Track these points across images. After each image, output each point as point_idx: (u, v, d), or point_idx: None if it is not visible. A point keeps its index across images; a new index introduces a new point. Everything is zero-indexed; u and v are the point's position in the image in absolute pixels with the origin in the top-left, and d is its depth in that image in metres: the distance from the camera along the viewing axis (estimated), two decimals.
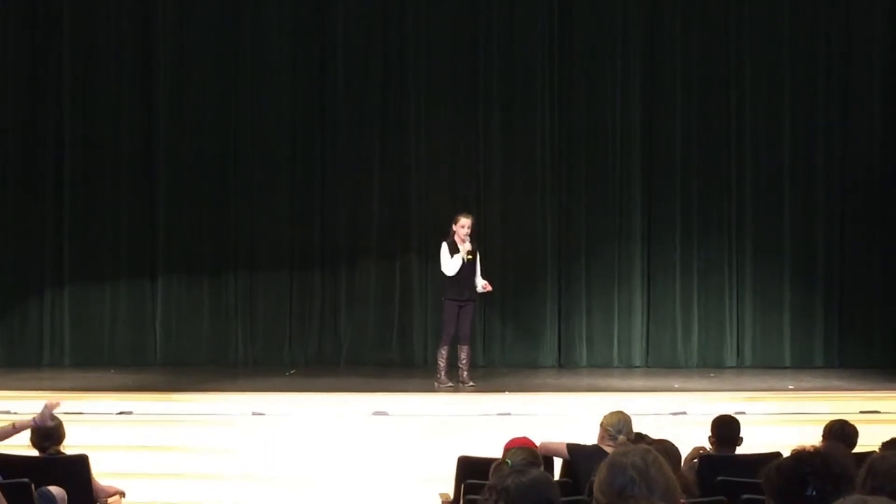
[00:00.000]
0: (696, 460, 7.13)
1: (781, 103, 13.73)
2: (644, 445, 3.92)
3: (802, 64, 13.75)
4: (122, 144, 13.76)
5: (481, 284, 11.57)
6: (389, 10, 13.83)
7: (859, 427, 6.93)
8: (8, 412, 9.80)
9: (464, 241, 11.42)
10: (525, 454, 5.76)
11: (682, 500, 3.62)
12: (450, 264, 11.44)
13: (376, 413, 10.31)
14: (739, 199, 13.74)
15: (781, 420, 10.20)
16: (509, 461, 5.41)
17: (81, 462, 7.27)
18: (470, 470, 6.88)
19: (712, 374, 12.94)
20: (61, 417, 7.54)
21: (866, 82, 13.71)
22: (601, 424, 6.80)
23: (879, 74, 13.70)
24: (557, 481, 6.44)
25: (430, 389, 11.41)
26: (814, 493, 3.36)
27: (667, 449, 5.54)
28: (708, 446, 7.30)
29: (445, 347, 11.59)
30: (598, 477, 3.43)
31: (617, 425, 6.70)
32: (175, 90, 13.76)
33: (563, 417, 10.02)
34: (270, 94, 13.84)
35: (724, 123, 13.77)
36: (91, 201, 13.72)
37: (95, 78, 13.77)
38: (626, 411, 6.95)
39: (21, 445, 7.63)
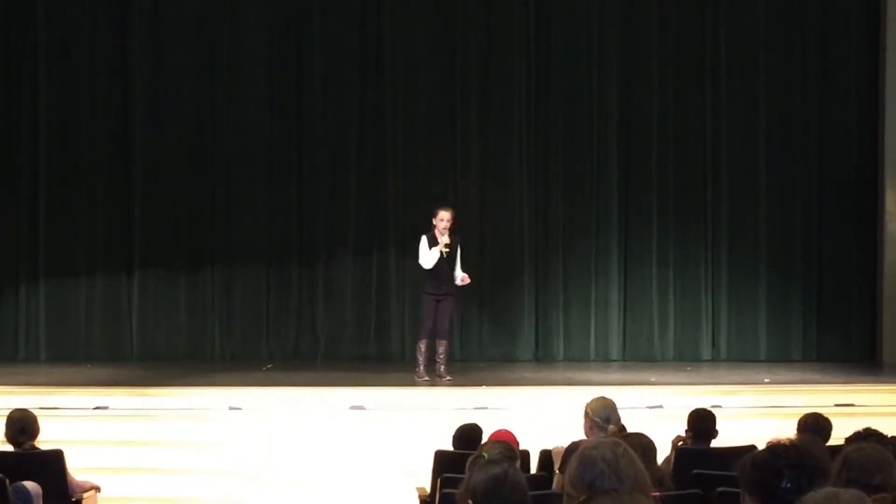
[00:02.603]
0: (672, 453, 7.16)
1: (758, 98, 13.78)
2: (614, 438, 3.93)
3: (779, 58, 13.80)
4: (98, 138, 13.69)
5: (460, 277, 11.59)
6: (367, 5, 13.81)
7: (834, 420, 6.97)
8: None
9: (442, 235, 11.43)
10: (501, 447, 5.76)
11: (655, 493, 3.63)
12: (426, 257, 11.46)
13: (353, 407, 10.30)
14: (716, 193, 13.79)
15: (757, 413, 10.25)
16: (485, 454, 5.41)
17: (57, 457, 7.25)
18: (447, 464, 6.89)
19: (689, 368, 12.99)
20: (37, 412, 7.51)
21: (844, 76, 13.77)
22: (585, 414, 6.46)
23: (857, 67, 13.76)
24: (533, 475, 6.46)
25: (408, 383, 11.40)
26: (788, 485, 3.38)
27: (643, 442, 5.54)
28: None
29: (424, 341, 11.60)
30: (569, 471, 3.44)
31: (603, 412, 6.35)
32: (152, 84, 13.69)
33: (540, 411, 10.04)
34: (247, 89, 13.79)
35: (701, 118, 13.81)
36: (67, 195, 13.65)
37: (71, 71, 13.69)
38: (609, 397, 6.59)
39: None
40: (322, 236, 13.79)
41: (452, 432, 7.50)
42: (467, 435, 7.33)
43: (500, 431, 6.94)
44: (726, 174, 13.78)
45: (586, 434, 6.45)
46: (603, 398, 6.53)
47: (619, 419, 6.42)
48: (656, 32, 13.78)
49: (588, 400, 6.59)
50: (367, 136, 13.77)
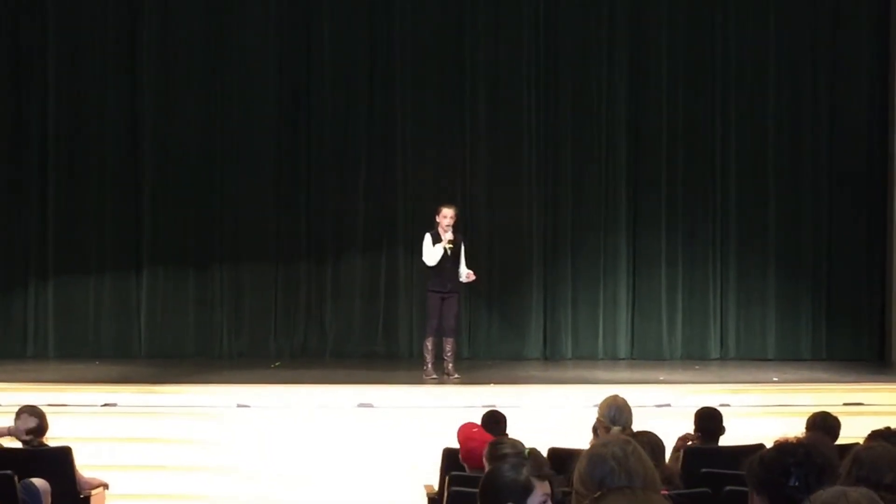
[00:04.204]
0: (680, 452, 7.13)
1: (767, 96, 13.76)
2: (623, 436, 3.92)
3: (788, 56, 13.77)
4: (106, 136, 13.71)
5: (465, 274, 11.60)
6: (375, 5, 13.81)
7: (843, 419, 6.96)
8: None
9: (446, 232, 11.44)
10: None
11: (663, 491, 3.63)
12: (431, 254, 11.47)
13: (362, 405, 10.31)
14: (724, 191, 13.78)
15: (765, 412, 10.24)
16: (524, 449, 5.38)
17: (65, 454, 7.27)
18: (455, 462, 6.88)
19: (697, 367, 12.97)
20: (45, 409, 7.52)
21: (853, 74, 13.74)
22: (597, 415, 6.36)
23: (866, 66, 13.74)
24: None
25: (416, 381, 11.40)
26: (796, 483, 3.37)
27: (651, 441, 5.53)
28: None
29: (430, 339, 11.61)
30: (578, 469, 3.43)
31: (608, 412, 6.23)
32: (160, 82, 13.72)
33: (548, 409, 10.04)
34: (256, 88, 13.80)
35: (710, 115, 13.80)
36: (76, 193, 13.67)
37: (81, 69, 13.71)
38: (623, 398, 6.39)
39: (4, 438, 7.61)
40: (330, 234, 13.80)
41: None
42: (493, 419, 7.32)
43: (470, 429, 6.76)
44: (735, 173, 13.76)
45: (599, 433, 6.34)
46: (613, 397, 6.40)
47: (628, 421, 6.23)
48: (665, 31, 13.76)
49: (591, 402, 6.52)
50: (376, 134, 13.78)
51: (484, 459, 5.41)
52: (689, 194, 13.78)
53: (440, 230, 11.48)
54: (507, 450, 5.32)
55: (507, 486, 3.56)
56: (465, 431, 6.58)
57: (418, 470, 8.50)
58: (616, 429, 6.09)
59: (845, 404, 10.07)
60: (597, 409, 6.40)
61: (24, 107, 13.69)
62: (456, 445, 7.31)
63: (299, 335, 13.76)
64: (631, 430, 6.41)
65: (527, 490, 3.54)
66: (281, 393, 10.72)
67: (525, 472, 3.57)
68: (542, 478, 3.56)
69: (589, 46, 13.79)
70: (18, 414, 7.37)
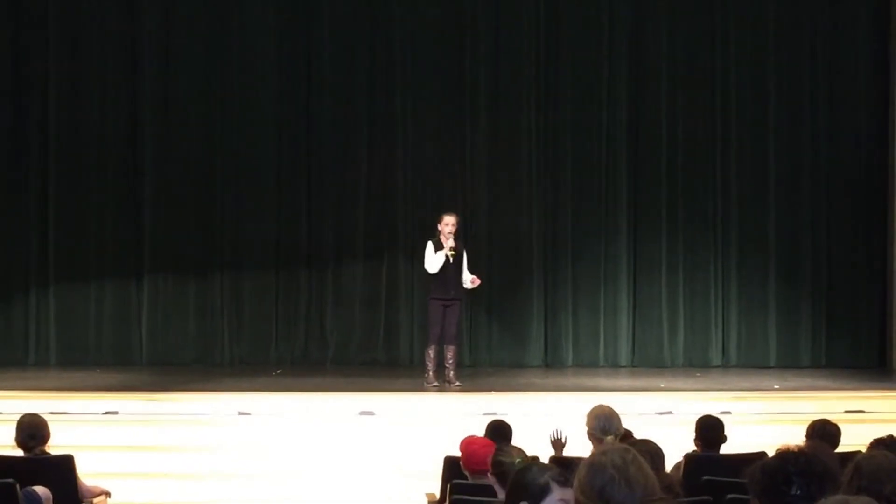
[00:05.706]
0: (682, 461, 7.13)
1: (767, 102, 13.77)
2: (623, 445, 3.94)
3: (788, 62, 13.80)
4: (107, 143, 13.72)
5: (469, 279, 11.60)
6: (376, 10, 13.83)
7: (844, 427, 6.96)
8: None
9: (448, 240, 11.45)
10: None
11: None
12: (433, 261, 11.47)
13: (363, 413, 10.29)
14: (725, 198, 13.79)
15: (767, 419, 10.23)
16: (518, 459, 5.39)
17: (67, 462, 7.25)
18: (456, 470, 6.87)
19: (698, 374, 12.97)
20: (47, 417, 7.52)
21: (853, 79, 13.77)
22: (587, 429, 6.44)
23: (866, 71, 13.76)
24: None
25: (417, 389, 11.41)
26: (798, 492, 3.38)
27: (650, 449, 5.53)
28: (693, 447, 7.30)
29: (433, 347, 11.60)
30: (578, 477, 3.44)
31: (597, 424, 6.29)
32: (161, 89, 13.73)
33: (549, 417, 10.02)
34: (256, 94, 13.82)
35: (710, 122, 13.81)
36: (76, 200, 13.68)
37: (81, 76, 13.72)
38: (608, 405, 6.50)
39: (6, 445, 7.61)
40: (331, 241, 13.80)
41: (461, 438, 7.46)
42: (499, 429, 7.32)
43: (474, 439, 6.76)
44: (735, 180, 13.77)
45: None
46: (599, 408, 6.44)
47: (618, 427, 6.30)
48: (666, 39, 13.78)
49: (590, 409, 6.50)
50: (376, 141, 13.79)
51: (489, 465, 5.42)
52: (690, 202, 13.79)
53: (442, 238, 11.49)
54: (506, 458, 5.33)
55: (527, 485, 3.79)
56: (466, 439, 6.59)
57: (419, 478, 8.49)
58: (609, 438, 6.09)
59: (847, 411, 10.06)
60: (586, 423, 6.40)
61: (25, 113, 13.70)
62: (457, 453, 7.31)
63: (300, 342, 13.76)
64: (632, 437, 6.43)
65: (543, 492, 3.75)
66: (282, 400, 10.71)
67: (547, 475, 3.80)
68: (564, 483, 3.74)
69: (589, 54, 13.80)
70: (18, 422, 7.36)
